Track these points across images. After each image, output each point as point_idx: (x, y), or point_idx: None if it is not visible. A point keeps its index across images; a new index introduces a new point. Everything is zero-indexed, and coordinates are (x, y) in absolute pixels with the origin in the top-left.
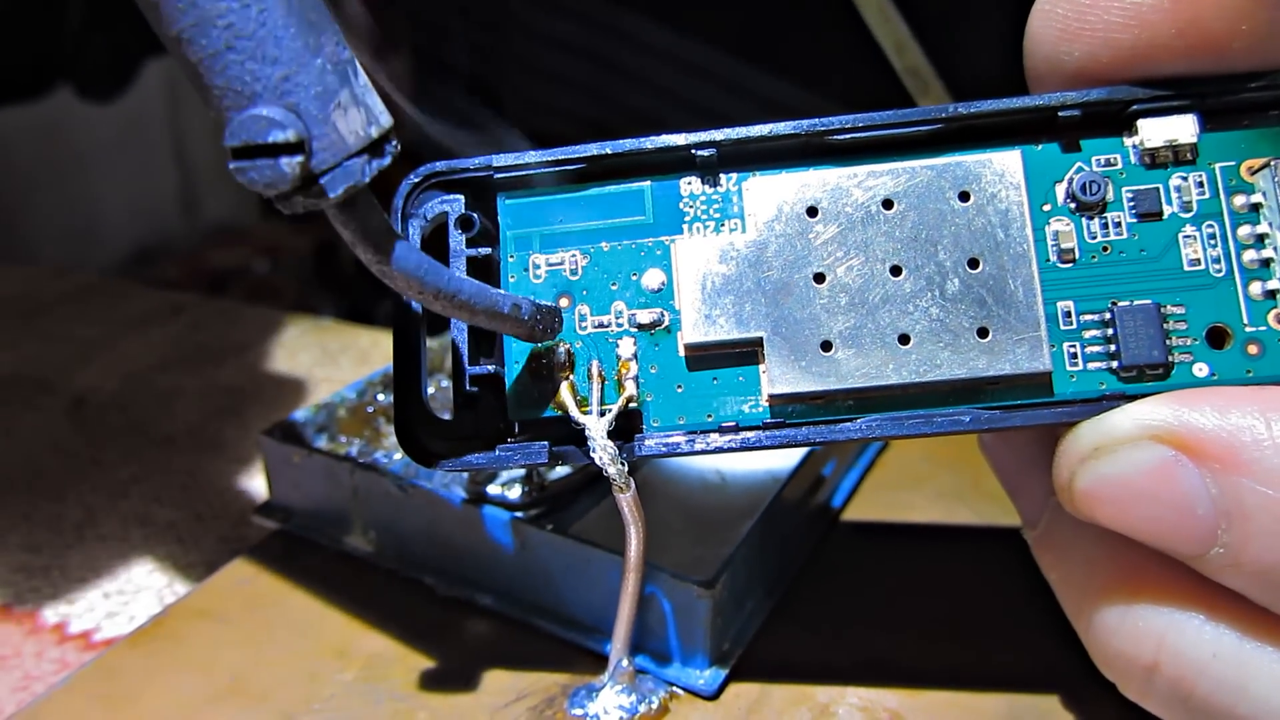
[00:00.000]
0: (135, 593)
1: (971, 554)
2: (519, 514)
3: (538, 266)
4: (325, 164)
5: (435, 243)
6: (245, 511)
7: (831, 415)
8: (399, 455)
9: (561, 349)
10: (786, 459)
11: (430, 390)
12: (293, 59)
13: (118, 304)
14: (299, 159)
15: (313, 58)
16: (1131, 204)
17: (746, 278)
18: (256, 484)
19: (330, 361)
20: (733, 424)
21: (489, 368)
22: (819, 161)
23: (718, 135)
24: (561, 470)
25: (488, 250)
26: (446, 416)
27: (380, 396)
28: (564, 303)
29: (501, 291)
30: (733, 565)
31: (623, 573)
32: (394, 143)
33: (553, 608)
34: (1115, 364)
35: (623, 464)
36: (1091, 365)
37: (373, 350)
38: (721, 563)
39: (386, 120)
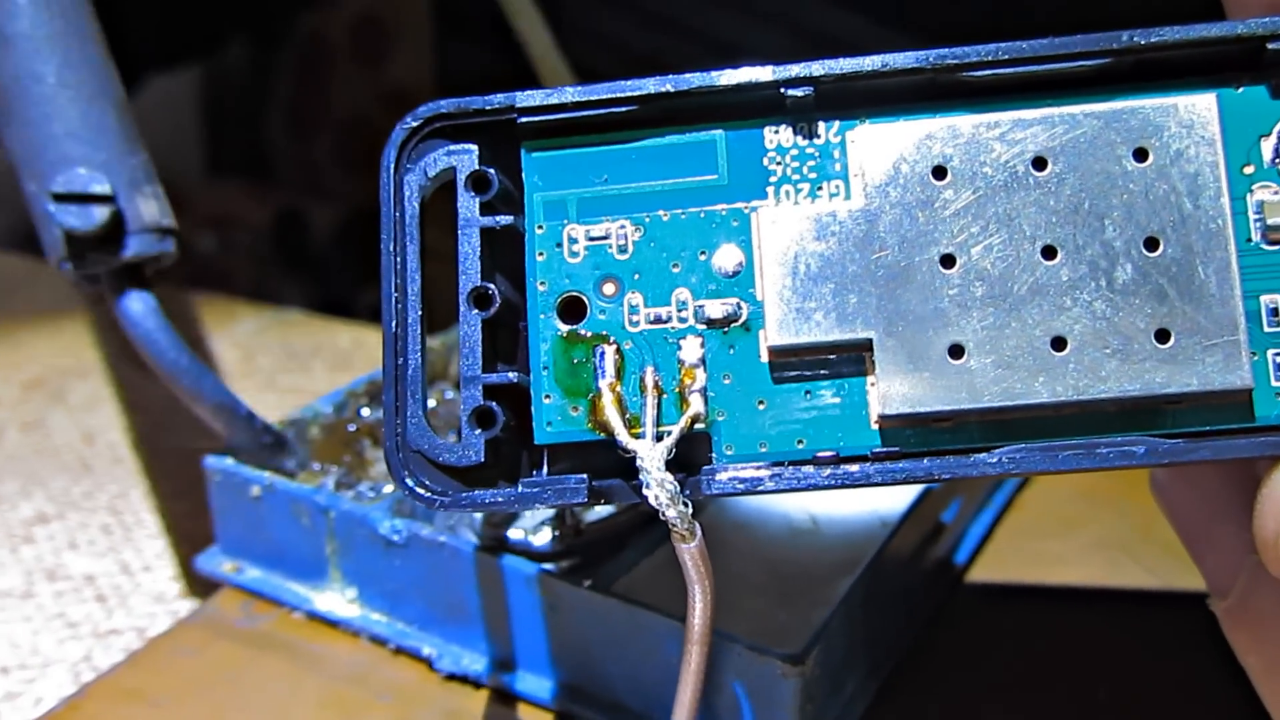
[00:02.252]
0: (42, 668)
1: (1139, 626)
2: (548, 566)
3: (574, 241)
4: (128, 225)
5: (442, 208)
6: (186, 561)
7: (961, 443)
8: (390, 488)
9: (606, 351)
10: (898, 499)
11: (431, 403)
12: (115, 151)
13: (15, 290)
14: (109, 209)
15: (129, 157)
16: None
17: (852, 259)
18: (201, 525)
19: (299, 366)
20: (831, 453)
21: (509, 375)
22: (948, 106)
23: (815, 69)
24: (603, 510)
25: (509, 219)
26: (453, 438)
27: (365, 411)
28: (609, 290)
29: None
30: (827, 635)
31: (684, 644)
32: (175, 241)
33: (591, 689)
34: None
35: (686, 504)
36: None
37: (354, 351)
38: (813, 632)
39: (174, 223)
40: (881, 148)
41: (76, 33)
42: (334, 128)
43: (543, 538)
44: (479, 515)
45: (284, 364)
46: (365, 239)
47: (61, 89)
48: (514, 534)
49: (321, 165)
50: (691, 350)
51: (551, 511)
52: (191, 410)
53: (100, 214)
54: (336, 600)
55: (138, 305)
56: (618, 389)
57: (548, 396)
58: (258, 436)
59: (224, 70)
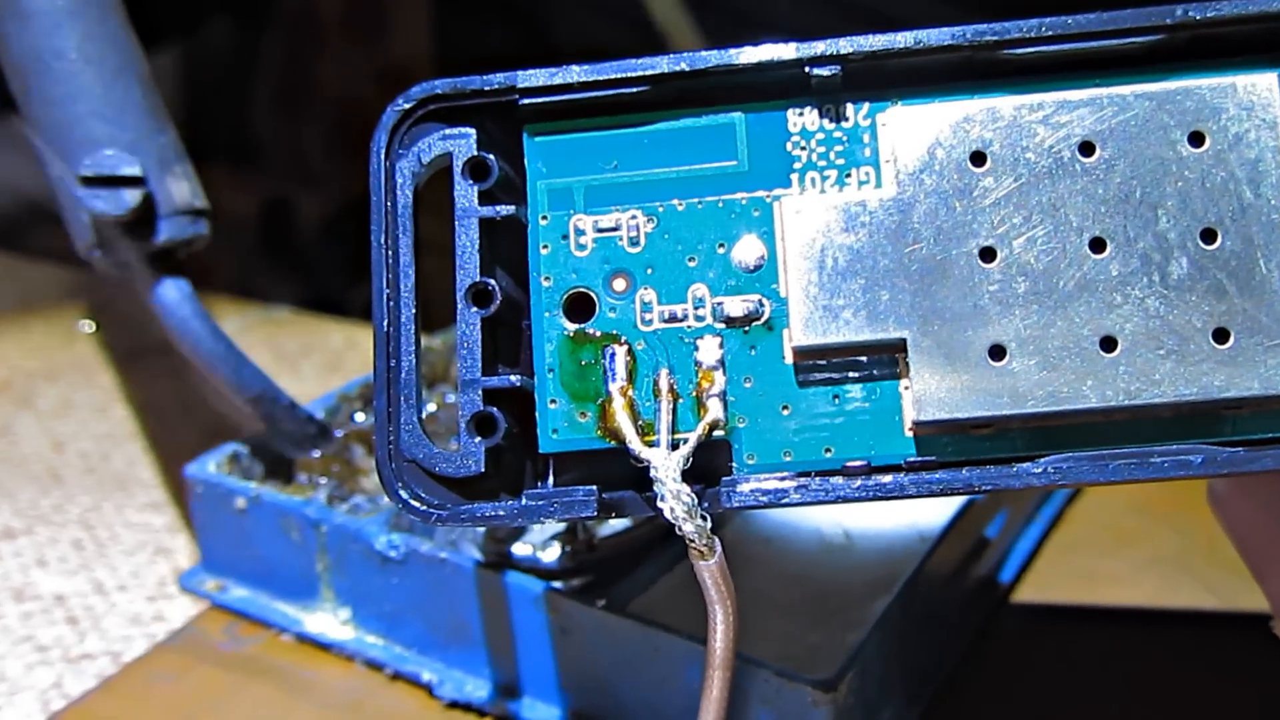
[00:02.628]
0: (9, 695)
1: (1198, 649)
2: (557, 584)
3: (581, 233)
4: (159, 208)
5: (437, 196)
6: (166, 580)
7: (1002, 452)
8: (386, 501)
9: (617, 352)
10: (938, 513)
11: (431, 408)
12: (142, 129)
13: None
14: (140, 192)
15: (158, 135)
16: None
17: (883, 253)
18: (181, 542)
19: (287, 368)
20: (862, 463)
21: (512, 379)
22: (988, 86)
23: (843, 46)
24: (616, 525)
25: (510, 209)
26: (453, 446)
27: (359, 416)
28: (619, 285)
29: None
30: (862, 660)
31: (704, 669)
32: (208, 223)
33: (604, 718)
34: None
35: (704, 518)
36: None
37: (346, 352)
38: (846, 656)
39: (207, 204)
40: (915, 131)
41: (97, 3)
42: (324, 110)
43: (551, 554)
44: (481, 530)
45: (271, 366)
46: (358, 230)
47: (84, 65)
48: (520, 549)
49: (311, 151)
50: (709, 351)
51: (560, 527)
52: (231, 400)
53: (131, 197)
54: (329, 621)
55: (173, 293)
56: (629, 393)
57: (553, 401)
58: (302, 426)
59: (205, 49)
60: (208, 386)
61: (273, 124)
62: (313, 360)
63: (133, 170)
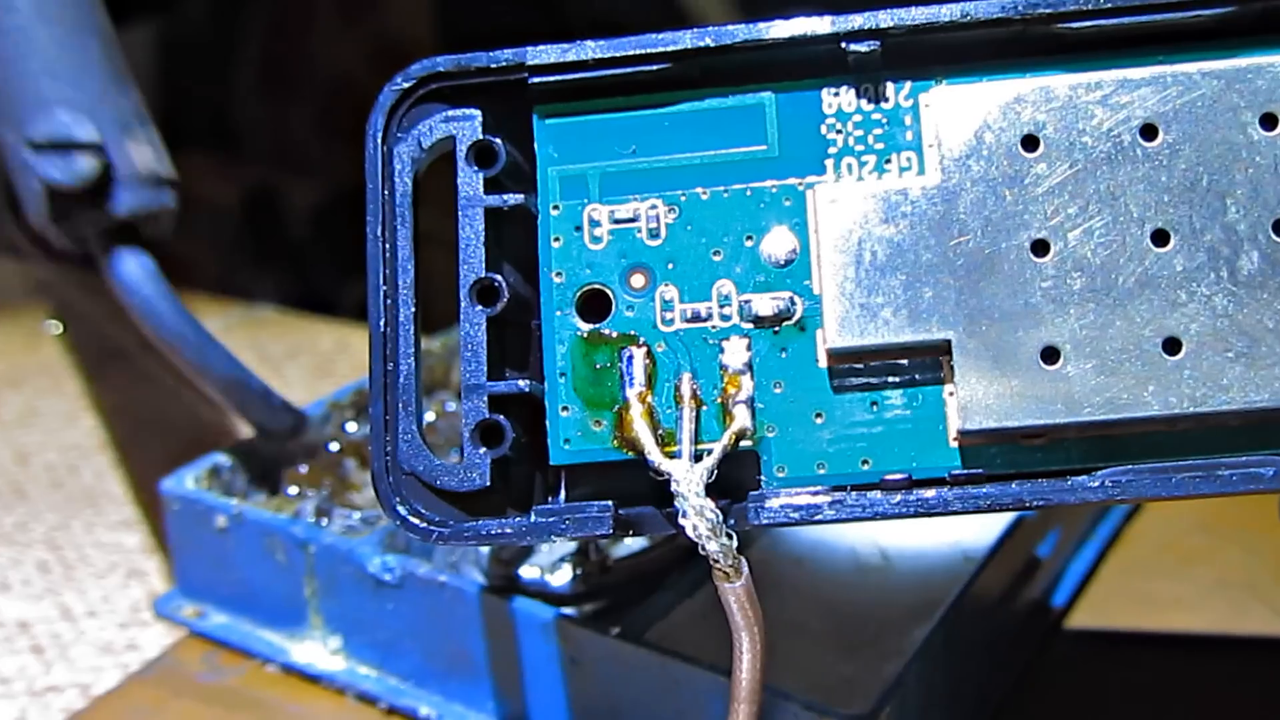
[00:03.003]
0: None
1: (1268, 679)
2: (568, 610)
3: (596, 224)
4: (118, 175)
5: (440, 186)
6: (139, 605)
7: (1056, 463)
8: (383, 520)
9: (635, 355)
10: (983, 531)
11: (430, 417)
12: (100, 91)
13: None
14: (96, 159)
15: (117, 97)
16: None
17: (926, 246)
18: (155, 564)
19: (272, 371)
20: (902, 476)
21: (520, 384)
22: (1040, 64)
23: (883, 19)
24: (633, 544)
25: (519, 197)
26: (454, 458)
27: (350, 426)
28: (638, 282)
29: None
30: (900, 693)
31: (729, 702)
32: (174, 194)
33: None
34: None
35: (730, 536)
36: None
37: (337, 356)
38: (884, 689)
39: (173, 172)
40: (961, 113)
41: None
42: (313, 91)
43: (562, 577)
44: (485, 550)
45: (254, 370)
46: (351, 222)
47: (37, 20)
48: (528, 572)
49: (299, 136)
50: (736, 353)
51: (572, 546)
52: (200, 388)
53: (87, 164)
54: (317, 651)
55: (134, 268)
56: (648, 399)
57: (565, 409)
58: (276, 415)
59: (182, 25)
60: (187, 392)
61: (257, 106)
62: (300, 364)
63: (89, 135)
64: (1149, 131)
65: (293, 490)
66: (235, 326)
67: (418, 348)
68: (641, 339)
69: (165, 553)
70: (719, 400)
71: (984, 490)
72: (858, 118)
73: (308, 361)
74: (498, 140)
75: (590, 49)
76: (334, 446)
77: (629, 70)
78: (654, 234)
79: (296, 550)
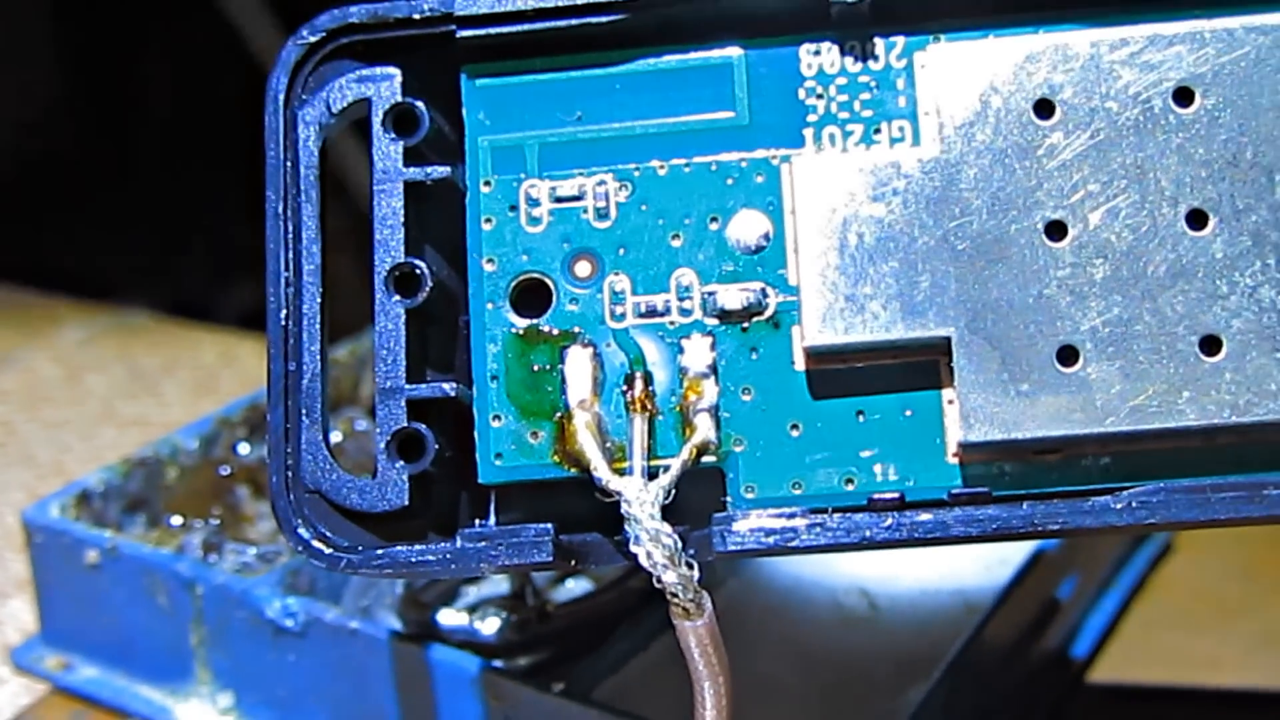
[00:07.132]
0: None
1: None
2: (498, 663)
3: (535, 203)
4: None
5: (352, 151)
6: None
7: (1074, 482)
8: (282, 557)
9: (579, 355)
10: (989, 573)
11: (336, 437)
12: None
13: None
14: None
15: None
16: None
17: (923, 228)
18: (15, 608)
19: (146, 388)
20: (894, 496)
21: (445, 387)
22: (1056, 17)
23: None
24: (577, 587)
25: (444, 171)
26: (366, 480)
27: (243, 447)
28: (583, 270)
29: None
30: None
31: None
32: None
33: None
34: None
35: (690, 566)
36: None
37: (221, 370)
38: None
39: None
40: (963, 75)
41: None
42: None
43: (491, 624)
44: (401, 583)
45: (125, 386)
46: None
47: None
48: (450, 618)
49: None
50: (698, 354)
51: (504, 585)
52: None
53: None
54: (205, 711)
55: None
56: (594, 407)
57: (498, 417)
58: None
59: None
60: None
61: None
62: (178, 379)
63: None
64: (1183, 96)
65: (176, 520)
66: (101, 335)
67: (324, 345)
68: (587, 337)
69: (28, 593)
70: (678, 408)
71: (989, 512)
72: (842, 80)
73: (186, 376)
74: (420, 104)
75: None
76: (225, 470)
77: (574, 22)
78: (602, 214)
79: (181, 591)
